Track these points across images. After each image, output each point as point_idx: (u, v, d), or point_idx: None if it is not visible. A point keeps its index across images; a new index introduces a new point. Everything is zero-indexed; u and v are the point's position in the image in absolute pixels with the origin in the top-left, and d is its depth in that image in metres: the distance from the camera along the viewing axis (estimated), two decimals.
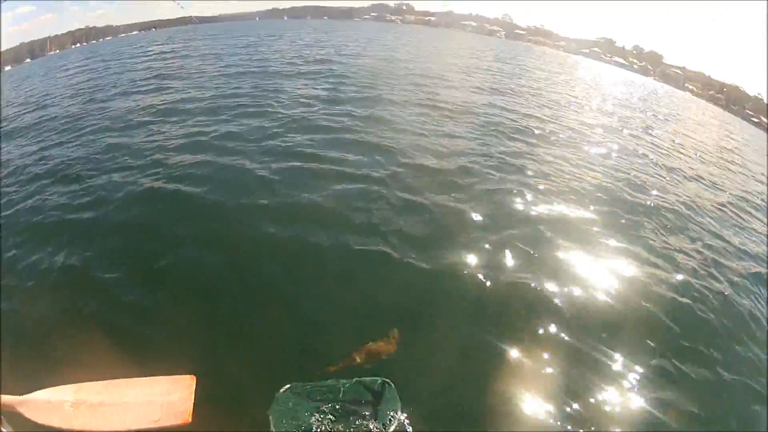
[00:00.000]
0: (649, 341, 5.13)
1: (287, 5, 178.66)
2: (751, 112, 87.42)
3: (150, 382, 3.26)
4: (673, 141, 18.64)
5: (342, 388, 3.79)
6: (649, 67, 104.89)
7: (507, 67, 33.52)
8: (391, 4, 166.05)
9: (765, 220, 11.44)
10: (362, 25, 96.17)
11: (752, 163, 21.80)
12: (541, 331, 4.99)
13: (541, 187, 9.01)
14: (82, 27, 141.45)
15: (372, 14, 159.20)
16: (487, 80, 23.55)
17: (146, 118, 12.17)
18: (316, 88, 15.75)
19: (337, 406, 3.64)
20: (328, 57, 24.88)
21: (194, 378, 3.32)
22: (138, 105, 13.83)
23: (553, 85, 28.18)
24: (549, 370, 4.51)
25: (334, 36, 43.73)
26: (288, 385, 3.74)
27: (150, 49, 34.68)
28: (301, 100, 13.93)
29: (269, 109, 12.59)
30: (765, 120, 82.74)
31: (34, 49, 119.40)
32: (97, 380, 3.24)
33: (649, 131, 19.06)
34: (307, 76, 18.11)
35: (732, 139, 30.75)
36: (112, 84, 18.32)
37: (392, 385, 3.75)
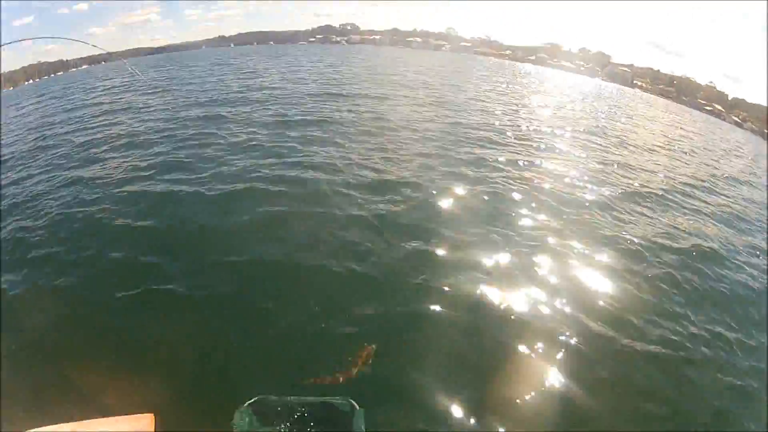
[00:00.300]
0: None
1: (233, 32, 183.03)
2: (703, 101, 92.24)
3: (109, 423, 3.30)
4: (620, 138, 19.56)
5: (306, 408, 3.67)
6: (597, 68, 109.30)
7: (448, 80, 34.42)
8: (336, 25, 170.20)
9: (709, 200, 12.67)
10: (308, 49, 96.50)
11: (700, 150, 23.44)
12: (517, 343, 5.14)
13: (494, 192, 9.56)
14: (35, 63, 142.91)
15: (317, 36, 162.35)
16: (430, 95, 23.92)
17: (97, 153, 12.22)
18: (264, 115, 15.87)
19: (299, 427, 3.53)
20: (271, 84, 25.17)
21: (152, 417, 3.37)
22: (89, 140, 13.86)
23: (498, 95, 28.85)
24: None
25: (278, 63, 43.85)
26: (253, 399, 3.61)
27: (99, 84, 34.95)
28: (248, 128, 14.05)
29: (213, 139, 12.69)
30: (718, 107, 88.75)
31: None
32: (57, 422, 3.25)
33: (592, 132, 19.80)
34: (253, 105, 18.23)
35: (681, 128, 32.70)
36: (64, 121, 18.11)
37: (359, 407, 3.59)
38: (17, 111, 24.89)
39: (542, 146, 15.01)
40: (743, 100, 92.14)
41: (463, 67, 56.99)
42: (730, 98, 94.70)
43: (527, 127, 18.21)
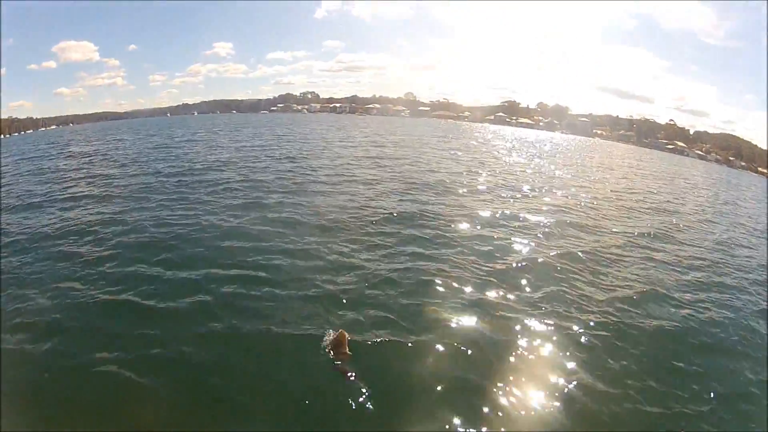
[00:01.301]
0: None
1: (197, 100, 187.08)
2: (664, 140, 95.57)
3: None
4: (576, 196, 19.26)
5: None
6: (555, 121, 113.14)
7: (406, 151, 32.52)
8: (297, 93, 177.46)
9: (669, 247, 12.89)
10: (269, 118, 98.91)
11: (666, 194, 23.66)
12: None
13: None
14: (6, 118, 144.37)
15: (279, 105, 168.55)
16: (384, 169, 22.50)
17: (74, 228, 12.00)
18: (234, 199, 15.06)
19: None
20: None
21: None
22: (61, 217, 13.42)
23: (459, 162, 27.99)
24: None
25: (242, 134, 43.82)
26: None
27: (70, 149, 35.84)
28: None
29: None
30: (680, 143, 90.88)
31: None
32: None
33: (544, 190, 19.89)
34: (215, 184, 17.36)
35: (645, 175, 33.44)
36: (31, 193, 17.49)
37: None
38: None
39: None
40: (705, 132, 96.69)
41: (422, 134, 55.54)
42: (692, 132, 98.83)
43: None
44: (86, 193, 16.22)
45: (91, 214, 13.18)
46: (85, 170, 21.93)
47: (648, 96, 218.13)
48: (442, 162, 25.57)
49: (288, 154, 26.60)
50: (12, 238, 11.05)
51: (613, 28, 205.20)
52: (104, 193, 15.60)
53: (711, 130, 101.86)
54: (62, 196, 15.72)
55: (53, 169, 23.51)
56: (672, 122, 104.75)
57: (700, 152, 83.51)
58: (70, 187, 17.58)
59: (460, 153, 32.43)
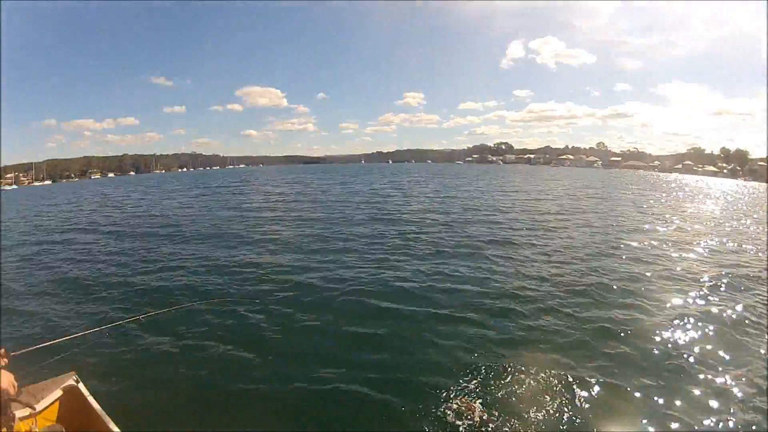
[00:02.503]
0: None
1: (391, 149, 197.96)
2: None
3: (38, 389, 3.82)
4: None
5: None
6: (738, 167, 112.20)
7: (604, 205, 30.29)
8: (491, 144, 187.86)
9: None
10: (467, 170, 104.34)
11: None
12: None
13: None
14: (189, 152, 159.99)
15: (474, 156, 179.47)
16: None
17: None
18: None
19: None
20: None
21: (74, 373, 4.09)
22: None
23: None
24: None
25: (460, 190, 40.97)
26: None
27: (268, 189, 43.91)
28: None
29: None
30: None
31: (139, 164, 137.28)
32: None
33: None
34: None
35: None
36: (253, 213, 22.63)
37: None
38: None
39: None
40: None
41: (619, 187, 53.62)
42: None
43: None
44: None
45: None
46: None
47: None
48: None
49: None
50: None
51: None
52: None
53: None
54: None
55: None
56: None
57: None
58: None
59: None
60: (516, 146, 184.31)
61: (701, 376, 6.18)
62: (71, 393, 3.87)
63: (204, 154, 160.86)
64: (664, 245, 15.53)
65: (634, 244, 15.38)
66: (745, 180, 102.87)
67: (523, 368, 6.17)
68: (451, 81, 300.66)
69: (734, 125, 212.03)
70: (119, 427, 3.57)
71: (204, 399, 5.65)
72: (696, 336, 7.55)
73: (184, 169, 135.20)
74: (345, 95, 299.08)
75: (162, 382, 6.01)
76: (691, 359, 6.69)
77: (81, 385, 3.93)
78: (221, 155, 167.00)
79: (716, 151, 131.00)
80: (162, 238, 16.97)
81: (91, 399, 3.83)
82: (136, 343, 7.12)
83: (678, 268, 12.24)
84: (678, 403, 5.49)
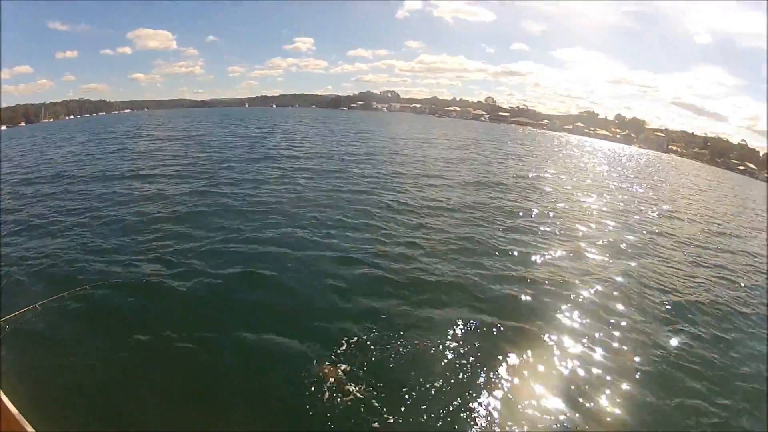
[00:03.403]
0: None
1: (276, 93, 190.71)
2: (736, 161, 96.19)
3: None
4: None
5: None
6: (632, 135, 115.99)
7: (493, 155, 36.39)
8: (377, 91, 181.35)
9: None
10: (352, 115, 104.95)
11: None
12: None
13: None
14: (77, 98, 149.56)
15: (359, 103, 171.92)
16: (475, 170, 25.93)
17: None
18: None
19: None
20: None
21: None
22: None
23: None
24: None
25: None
26: None
27: (152, 133, 43.67)
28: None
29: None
30: (751, 165, 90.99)
31: (29, 114, 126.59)
32: None
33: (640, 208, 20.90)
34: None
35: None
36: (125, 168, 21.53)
37: None
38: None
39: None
40: None
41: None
42: (761, 154, 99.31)
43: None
44: None
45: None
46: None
47: (722, 114, 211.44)
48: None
49: None
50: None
51: (690, 43, 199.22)
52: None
53: None
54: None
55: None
56: (744, 142, 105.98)
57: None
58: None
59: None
60: (403, 95, 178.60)
61: None
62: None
63: (91, 100, 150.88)
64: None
65: None
66: (639, 147, 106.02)
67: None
68: (344, 28, 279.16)
69: (633, 96, 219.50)
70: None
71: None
72: None
73: (71, 117, 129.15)
74: (235, 39, 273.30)
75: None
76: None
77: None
78: (107, 100, 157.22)
79: (611, 117, 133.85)
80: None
81: (8, 402, 3.59)
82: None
83: None
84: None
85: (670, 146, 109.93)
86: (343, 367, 6.10)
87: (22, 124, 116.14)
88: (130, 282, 8.68)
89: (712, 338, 8.41)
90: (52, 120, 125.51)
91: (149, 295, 8.18)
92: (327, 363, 6.13)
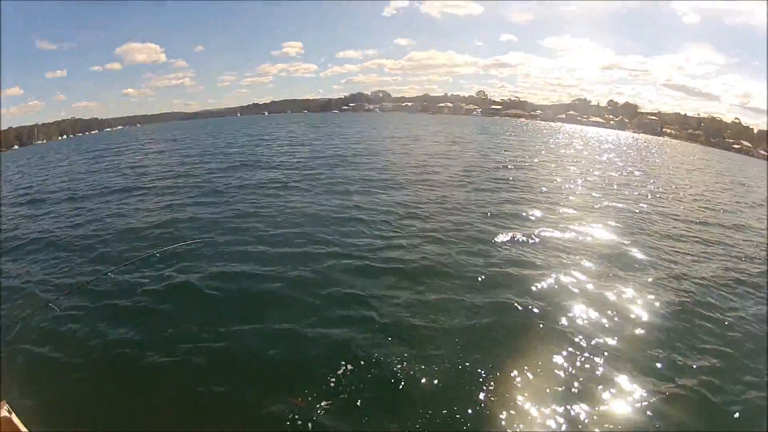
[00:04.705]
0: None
1: (267, 100, 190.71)
2: (731, 140, 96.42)
3: None
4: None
5: None
6: (626, 120, 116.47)
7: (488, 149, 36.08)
8: (368, 92, 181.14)
9: None
10: (341, 118, 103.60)
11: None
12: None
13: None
14: (68, 118, 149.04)
15: (350, 105, 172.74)
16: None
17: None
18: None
19: None
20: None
21: (4, 402, 3.65)
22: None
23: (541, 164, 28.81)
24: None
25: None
26: None
27: (148, 146, 43.93)
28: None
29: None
30: (746, 143, 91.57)
31: (22, 136, 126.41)
32: None
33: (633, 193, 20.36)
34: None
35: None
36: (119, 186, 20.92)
37: None
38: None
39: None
40: None
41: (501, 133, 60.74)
42: (755, 131, 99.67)
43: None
44: None
45: None
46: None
47: (714, 93, 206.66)
48: None
49: None
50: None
51: (678, 24, 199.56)
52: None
53: None
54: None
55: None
56: (737, 120, 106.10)
57: (764, 152, 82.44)
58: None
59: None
60: (394, 94, 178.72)
61: None
62: (4, 425, 3.57)
63: (84, 118, 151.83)
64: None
65: None
66: (634, 132, 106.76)
67: None
68: (332, 30, 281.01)
69: (623, 80, 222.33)
70: None
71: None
72: None
73: (64, 137, 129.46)
74: (223, 48, 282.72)
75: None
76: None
77: (14, 417, 3.62)
78: (99, 118, 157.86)
79: (603, 104, 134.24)
80: None
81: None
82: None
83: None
84: None
85: (663, 129, 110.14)
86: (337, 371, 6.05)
87: (15, 146, 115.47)
88: (129, 281, 8.91)
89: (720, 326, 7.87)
90: (45, 141, 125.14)
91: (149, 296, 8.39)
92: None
